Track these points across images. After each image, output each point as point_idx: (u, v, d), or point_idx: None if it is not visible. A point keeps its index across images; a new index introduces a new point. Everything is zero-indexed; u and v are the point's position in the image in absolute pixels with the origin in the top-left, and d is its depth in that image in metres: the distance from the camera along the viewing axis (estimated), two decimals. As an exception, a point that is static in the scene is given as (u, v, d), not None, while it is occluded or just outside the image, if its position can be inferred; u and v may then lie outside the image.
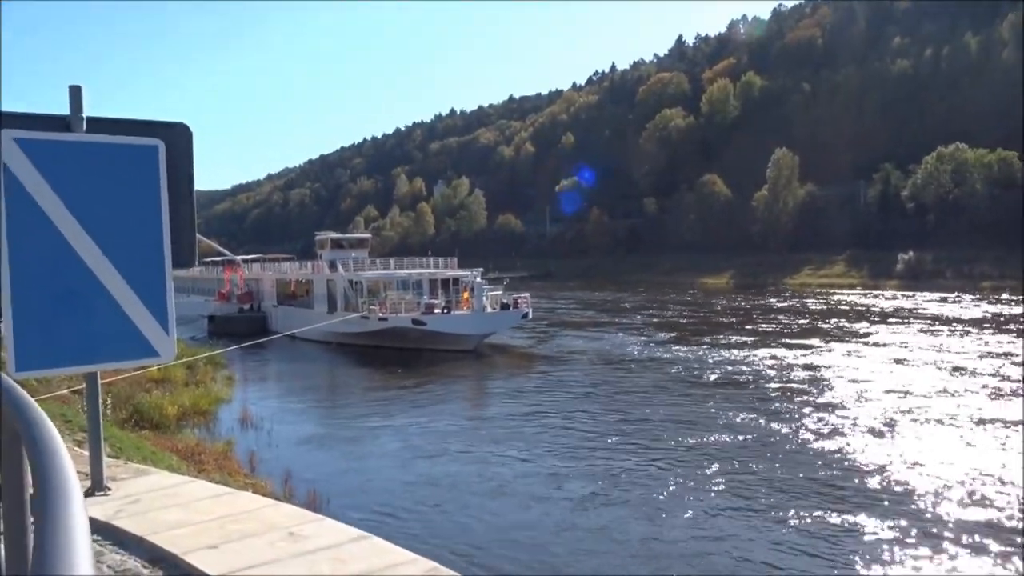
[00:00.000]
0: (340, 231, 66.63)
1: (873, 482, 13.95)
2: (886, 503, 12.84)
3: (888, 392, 22.09)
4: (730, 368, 27.33)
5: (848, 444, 16.66)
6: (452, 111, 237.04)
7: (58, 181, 3.98)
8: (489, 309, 35.24)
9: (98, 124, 4.29)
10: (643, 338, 36.97)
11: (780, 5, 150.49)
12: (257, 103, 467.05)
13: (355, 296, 38.79)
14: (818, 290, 71.22)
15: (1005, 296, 55.87)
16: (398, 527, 11.87)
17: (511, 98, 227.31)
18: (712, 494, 13.52)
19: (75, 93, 4.23)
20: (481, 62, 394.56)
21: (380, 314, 35.21)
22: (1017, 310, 45.78)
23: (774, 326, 41.03)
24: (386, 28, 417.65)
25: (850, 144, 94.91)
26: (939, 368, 26.06)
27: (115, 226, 4.17)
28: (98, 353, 4.14)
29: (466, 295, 36.17)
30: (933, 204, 79.35)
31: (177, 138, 4.49)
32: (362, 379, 30.15)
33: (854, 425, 18.32)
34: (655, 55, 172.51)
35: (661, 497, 13.45)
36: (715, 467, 15.06)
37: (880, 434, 17.41)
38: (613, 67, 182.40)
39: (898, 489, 13.53)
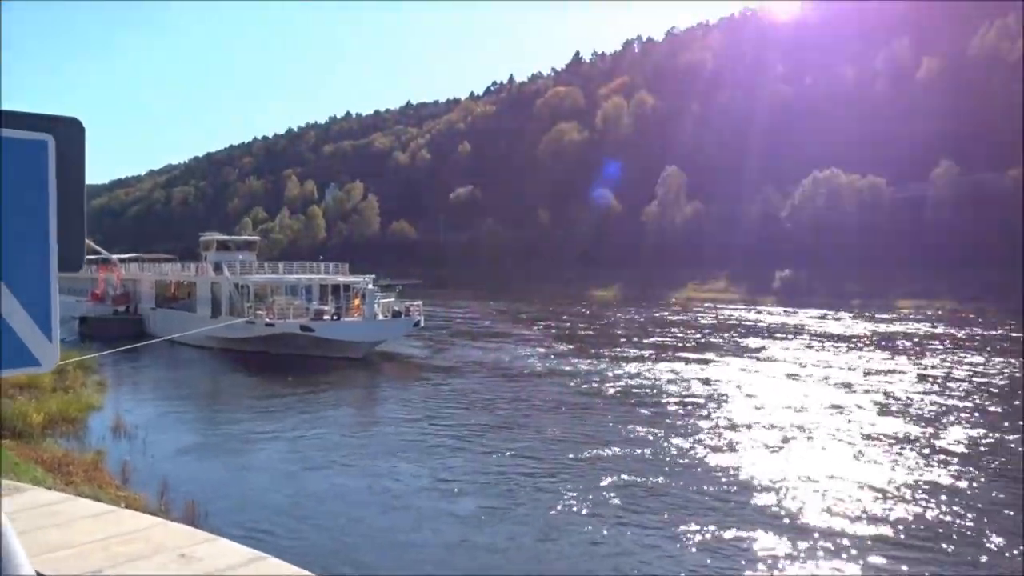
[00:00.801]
0: (227, 232, 64.58)
1: (763, 496, 14.40)
2: (777, 516, 13.33)
3: (777, 406, 22.84)
4: (623, 381, 27.79)
5: (739, 457, 17.13)
6: (347, 114, 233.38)
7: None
8: (380, 317, 34.83)
9: None
10: (536, 349, 37.29)
11: (673, 28, 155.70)
12: (140, 95, 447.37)
13: (241, 300, 37.59)
14: (703, 304, 73.84)
15: (875, 314, 59.37)
16: (287, 546, 11.52)
17: (408, 104, 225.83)
18: (606, 508, 13.69)
19: (-45, 81, 3.93)
20: (379, 66, 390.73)
21: (267, 319, 34.26)
22: (884, 327, 48.71)
23: (661, 339, 42.18)
24: (282, 26, 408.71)
25: (734, 164, 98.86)
26: (823, 382, 27.42)
27: (-3, 229, 3.91)
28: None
29: (357, 302, 35.65)
30: (808, 225, 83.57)
31: (68, 134, 4.23)
32: (246, 386, 29.23)
33: (744, 439, 18.87)
34: (552, 69, 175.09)
35: (555, 511, 13.53)
36: (608, 480, 15.24)
37: (769, 447, 17.98)
38: (511, 78, 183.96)
39: (788, 503, 14.05)
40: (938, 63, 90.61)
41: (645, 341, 41.03)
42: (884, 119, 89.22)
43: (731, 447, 18.12)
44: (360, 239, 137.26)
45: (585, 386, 26.87)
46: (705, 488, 14.81)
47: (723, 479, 15.46)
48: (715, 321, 54.56)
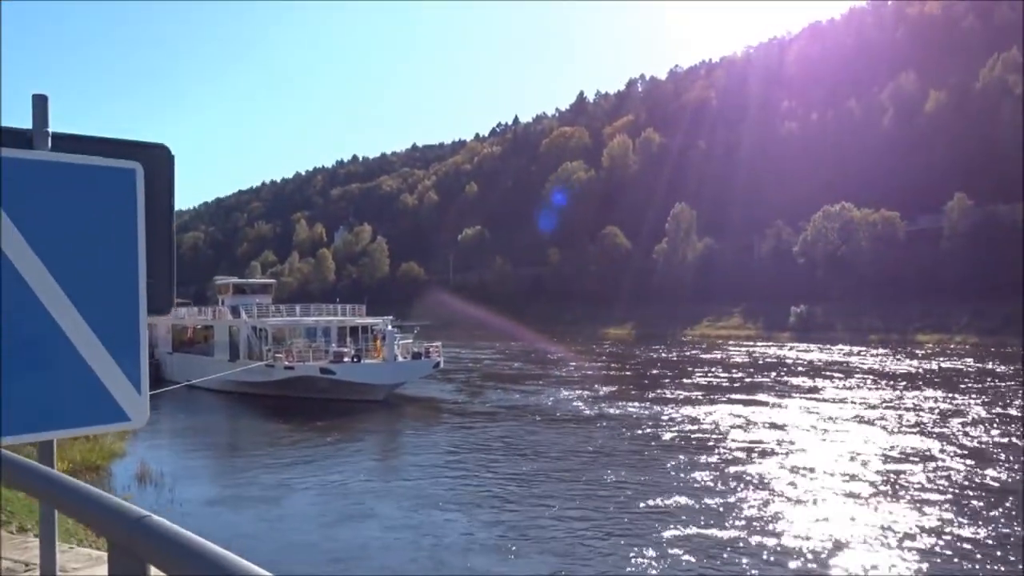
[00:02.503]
0: (237, 276, 64.39)
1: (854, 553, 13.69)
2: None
3: (844, 451, 21.60)
4: (674, 425, 26.37)
5: (817, 511, 15.69)
6: (354, 157, 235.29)
7: (15, 207, 3.27)
8: (400, 358, 34.31)
9: (65, 141, 3.57)
10: (564, 391, 36.25)
11: (676, 67, 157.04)
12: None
13: (259, 343, 37.12)
14: (719, 341, 73.00)
15: (898, 349, 58.54)
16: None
17: (414, 146, 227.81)
18: (671, 563, 12.99)
19: (39, 103, 3.51)
20: (384, 109, 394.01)
21: (286, 362, 33.76)
22: (915, 364, 47.91)
23: (697, 379, 40.69)
24: (287, 72, 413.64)
25: (744, 199, 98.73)
26: (866, 423, 26.59)
27: (82, 264, 3.46)
28: (56, 417, 3.36)
29: (378, 343, 35.14)
30: (822, 259, 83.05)
31: (156, 162, 3.80)
32: (269, 432, 28.58)
33: (819, 488, 17.42)
34: (557, 109, 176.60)
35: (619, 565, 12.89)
36: (675, 534, 14.42)
37: (854, 498, 16.73)
38: (516, 120, 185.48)
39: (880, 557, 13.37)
40: (945, 96, 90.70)
41: (683, 381, 39.65)
42: (894, 152, 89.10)
43: (807, 497, 16.65)
44: (370, 281, 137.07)
45: (630, 431, 25.31)
46: (781, 541, 13.89)
47: (800, 531, 14.40)
48: (744, 359, 53.32)
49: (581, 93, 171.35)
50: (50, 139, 3.52)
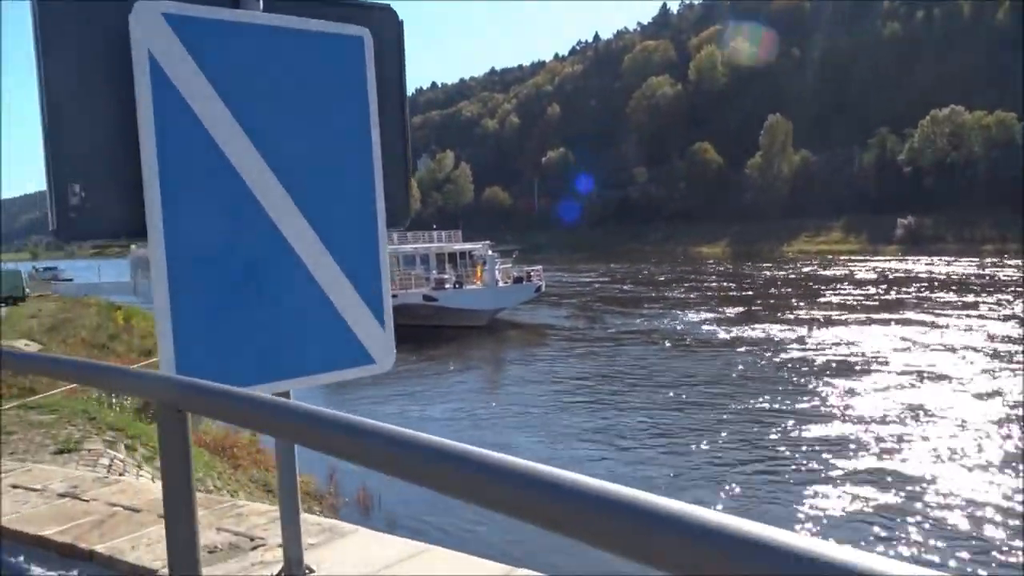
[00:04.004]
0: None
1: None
2: None
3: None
4: (801, 346, 24.75)
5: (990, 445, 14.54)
6: (433, 84, 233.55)
7: (230, 86, 2.48)
8: (501, 283, 33.80)
9: (277, 1, 2.72)
10: (679, 313, 34.57)
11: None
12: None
13: (360, 273, 37.07)
14: (827, 257, 69.50)
15: (1007, 260, 55.01)
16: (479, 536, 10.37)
17: (492, 70, 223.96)
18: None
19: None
20: (461, 34, 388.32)
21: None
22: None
23: (816, 297, 38.25)
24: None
25: (842, 109, 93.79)
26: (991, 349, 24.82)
27: (307, 161, 2.67)
28: (291, 362, 2.63)
29: (479, 269, 34.66)
30: (931, 168, 78.47)
31: (383, 29, 2.93)
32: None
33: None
34: (639, 23, 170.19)
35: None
36: (843, 466, 13.53)
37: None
38: (596, 36, 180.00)
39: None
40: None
41: (814, 300, 37.03)
42: (1008, 49, 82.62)
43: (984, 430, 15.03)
44: (455, 208, 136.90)
45: (772, 355, 23.36)
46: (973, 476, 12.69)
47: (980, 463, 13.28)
48: (869, 275, 49.77)
49: (664, 4, 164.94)
50: (261, -1, 2.66)
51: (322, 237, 2.65)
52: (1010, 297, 34.89)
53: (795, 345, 24.83)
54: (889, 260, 61.93)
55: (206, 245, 2.42)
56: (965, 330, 26.08)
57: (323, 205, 2.67)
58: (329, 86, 2.71)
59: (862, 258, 65.93)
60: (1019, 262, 53.40)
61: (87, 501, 3.77)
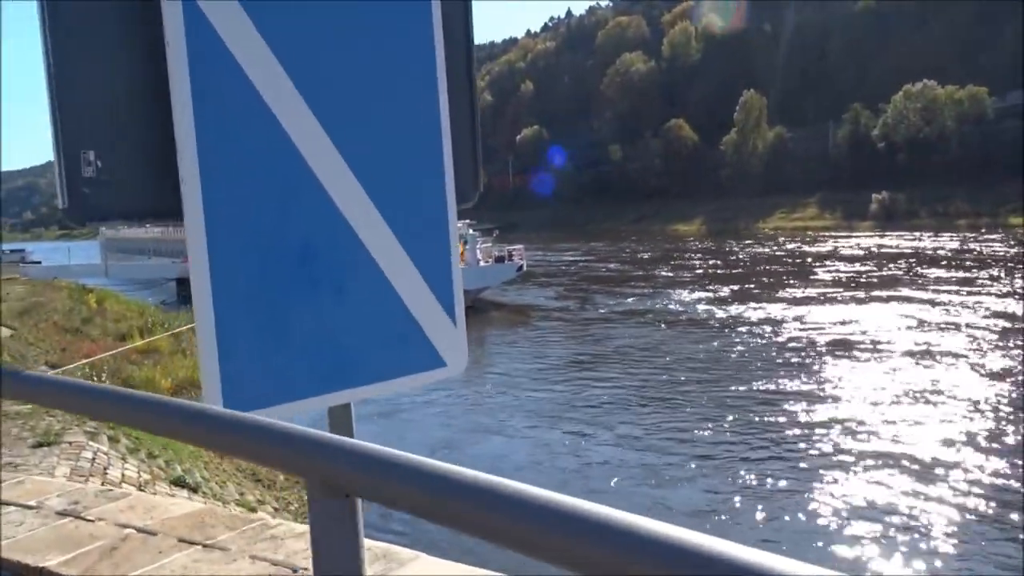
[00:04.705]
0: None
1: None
2: None
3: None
4: (800, 324, 24.25)
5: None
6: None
7: (282, 43, 2.01)
8: (483, 262, 33.31)
9: None
10: (668, 292, 34.10)
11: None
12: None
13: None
14: (806, 234, 69.56)
15: (985, 235, 55.50)
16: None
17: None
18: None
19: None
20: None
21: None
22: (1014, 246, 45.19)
23: (807, 275, 37.37)
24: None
25: (816, 85, 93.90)
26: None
27: (371, 134, 2.20)
28: (352, 369, 2.17)
29: (461, 248, 34.08)
30: (904, 143, 78.85)
31: None
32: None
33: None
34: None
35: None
36: (851, 447, 13.31)
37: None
38: (569, 12, 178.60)
39: None
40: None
41: (807, 278, 36.14)
42: (980, 24, 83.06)
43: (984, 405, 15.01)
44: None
45: (772, 335, 22.69)
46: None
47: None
48: (854, 251, 49.28)
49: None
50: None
51: (388, 221, 2.20)
52: (1000, 272, 34.90)
53: (792, 323, 24.44)
54: (868, 236, 62.17)
55: (255, 229, 1.96)
56: (962, 307, 25.76)
57: (389, 184, 2.21)
58: (398, 61, 2.25)
59: (839, 234, 66.18)
60: (996, 236, 53.93)
61: (92, 521, 3.33)
